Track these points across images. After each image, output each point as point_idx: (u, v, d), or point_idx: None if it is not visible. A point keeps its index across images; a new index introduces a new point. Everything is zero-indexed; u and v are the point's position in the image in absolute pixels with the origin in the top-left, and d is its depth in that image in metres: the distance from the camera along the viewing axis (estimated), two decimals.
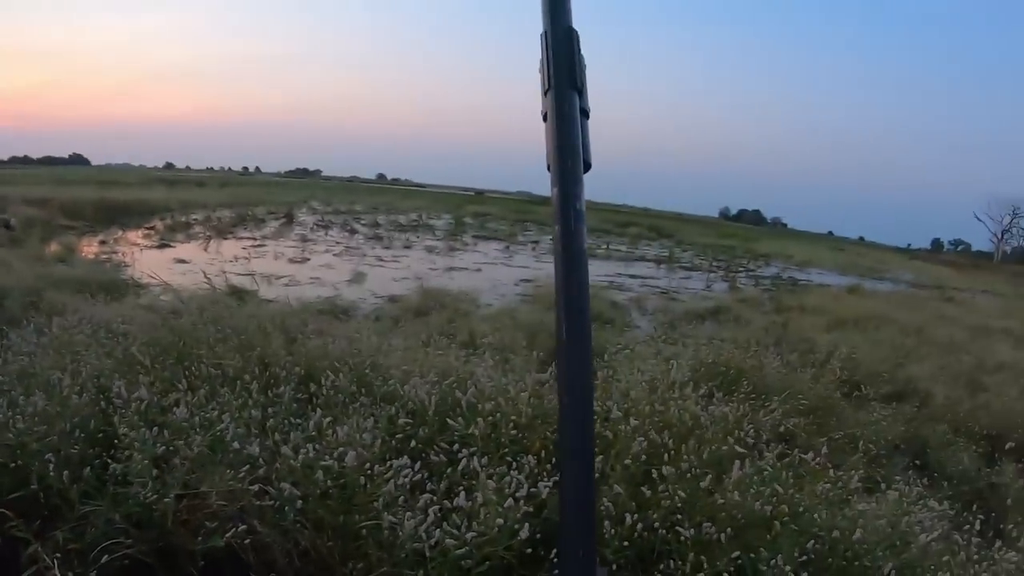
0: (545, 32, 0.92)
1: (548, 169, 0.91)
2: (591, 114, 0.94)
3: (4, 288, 8.87)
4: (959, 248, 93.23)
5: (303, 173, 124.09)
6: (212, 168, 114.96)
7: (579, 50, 0.92)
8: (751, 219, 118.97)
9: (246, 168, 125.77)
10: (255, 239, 20.11)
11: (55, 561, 3.02)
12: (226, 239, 19.45)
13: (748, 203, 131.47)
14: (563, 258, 0.88)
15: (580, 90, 0.91)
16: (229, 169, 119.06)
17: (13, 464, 3.57)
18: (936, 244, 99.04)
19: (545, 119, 0.92)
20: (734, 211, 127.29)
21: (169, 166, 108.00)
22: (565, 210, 0.87)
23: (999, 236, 79.99)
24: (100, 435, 3.92)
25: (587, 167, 0.92)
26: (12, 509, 3.25)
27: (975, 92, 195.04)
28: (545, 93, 0.91)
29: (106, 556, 3.16)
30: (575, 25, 0.94)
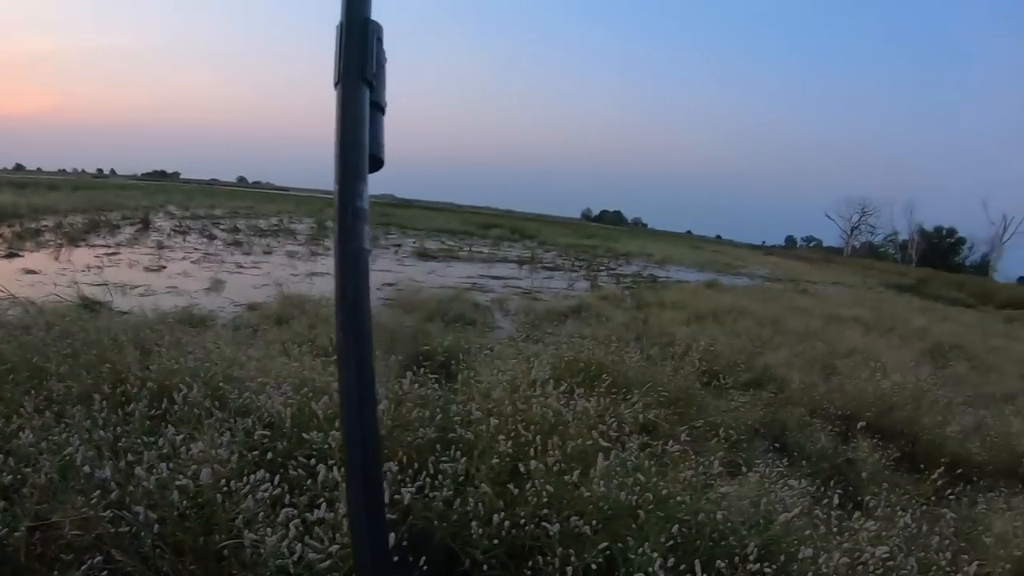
0: (341, 23, 0.90)
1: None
2: (387, 108, 0.93)
3: None
4: (812, 244, 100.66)
5: (161, 176, 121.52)
6: (65, 170, 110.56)
7: (376, 43, 0.91)
8: (612, 220, 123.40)
9: (101, 170, 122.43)
10: (109, 246, 18.86)
11: None
12: (79, 247, 18.16)
13: (609, 204, 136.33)
14: (341, 259, 0.87)
15: (372, 83, 0.90)
16: (83, 171, 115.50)
17: None
18: (790, 241, 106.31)
19: None
20: (596, 212, 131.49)
21: (19, 167, 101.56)
22: (344, 208, 0.86)
23: (849, 233, 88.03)
24: None
25: (379, 164, 0.92)
26: None
27: (824, 95, 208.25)
28: (335, 85, 0.89)
29: None
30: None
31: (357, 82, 0.88)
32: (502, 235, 40.44)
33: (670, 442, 4.77)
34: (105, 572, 3.18)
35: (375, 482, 0.86)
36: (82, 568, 3.10)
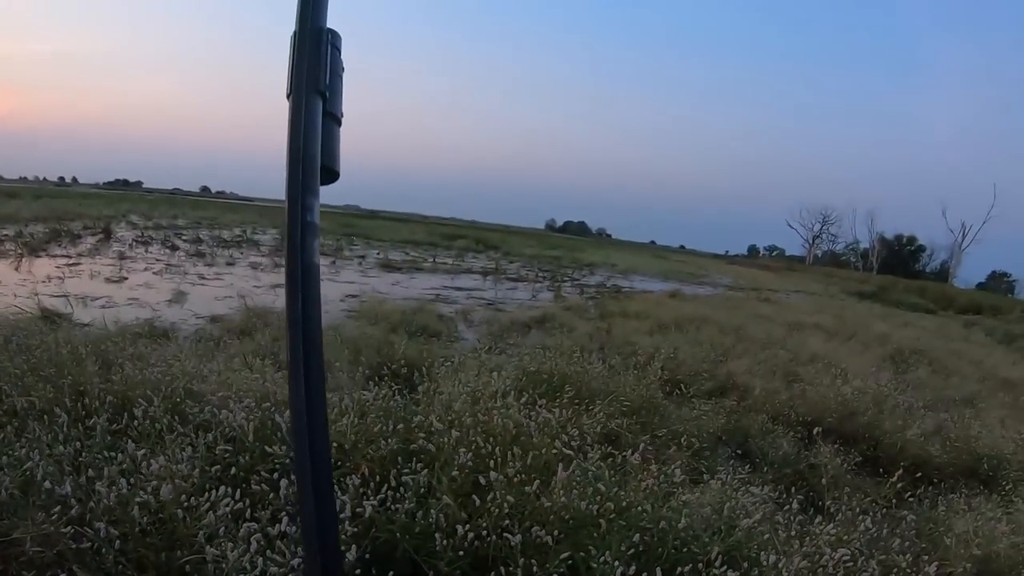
0: (294, 33, 0.88)
1: None
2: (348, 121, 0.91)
3: None
4: (774, 253, 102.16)
5: (123, 184, 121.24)
6: (26, 177, 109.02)
7: (330, 52, 0.89)
8: (577, 230, 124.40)
9: (62, 178, 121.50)
10: (71, 257, 18.44)
11: None
12: (39, 257, 17.73)
13: (574, 215, 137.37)
14: (291, 275, 0.85)
15: (325, 94, 0.88)
16: (44, 179, 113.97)
17: None
18: (752, 250, 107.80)
19: None
20: (560, 223, 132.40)
21: None
22: (295, 223, 0.84)
23: (810, 241, 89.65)
24: None
25: (334, 176, 0.90)
26: None
27: (786, 106, 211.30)
28: (288, 97, 0.87)
29: None
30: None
31: (309, 93, 0.86)
32: (467, 246, 40.66)
33: (632, 451, 4.79)
34: None
35: (327, 501, 0.85)
36: None
